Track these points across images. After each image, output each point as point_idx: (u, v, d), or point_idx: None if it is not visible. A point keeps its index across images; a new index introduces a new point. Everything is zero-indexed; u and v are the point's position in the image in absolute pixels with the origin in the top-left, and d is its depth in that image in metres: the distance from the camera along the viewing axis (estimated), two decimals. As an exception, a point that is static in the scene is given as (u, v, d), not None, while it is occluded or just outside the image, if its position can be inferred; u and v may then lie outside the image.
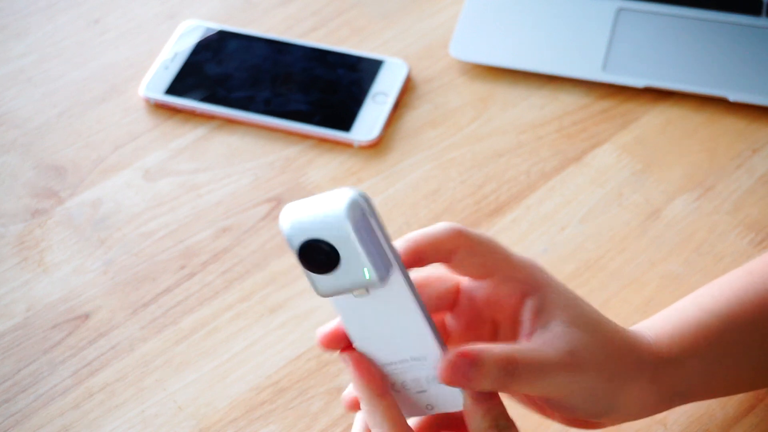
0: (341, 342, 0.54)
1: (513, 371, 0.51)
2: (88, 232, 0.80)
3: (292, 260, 0.77)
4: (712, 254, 0.76)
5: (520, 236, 0.78)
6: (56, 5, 0.96)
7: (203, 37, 0.91)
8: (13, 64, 0.91)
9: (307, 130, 0.85)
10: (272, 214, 0.80)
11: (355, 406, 0.56)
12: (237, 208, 0.81)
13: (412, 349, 0.53)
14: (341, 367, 0.71)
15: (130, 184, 0.83)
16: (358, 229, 0.49)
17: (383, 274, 0.50)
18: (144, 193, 0.82)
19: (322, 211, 0.49)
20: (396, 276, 0.51)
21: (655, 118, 0.86)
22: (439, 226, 0.54)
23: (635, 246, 0.77)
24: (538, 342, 0.53)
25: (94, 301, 0.75)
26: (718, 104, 0.86)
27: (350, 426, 0.68)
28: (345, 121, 0.85)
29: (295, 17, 0.94)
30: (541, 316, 0.54)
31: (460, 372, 0.51)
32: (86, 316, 0.75)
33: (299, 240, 0.49)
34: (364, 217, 0.49)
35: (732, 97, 0.85)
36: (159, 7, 0.95)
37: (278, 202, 0.81)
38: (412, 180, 0.82)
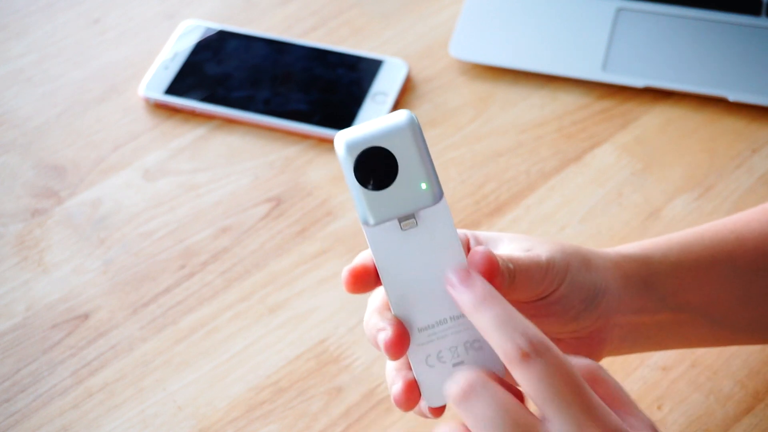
0: (369, 281, 0.53)
1: (511, 273, 0.54)
2: (87, 231, 0.80)
3: (292, 260, 0.77)
4: (712, 254, 0.76)
5: (519, 236, 0.78)
6: (56, 5, 0.96)
7: (203, 37, 0.91)
8: (12, 64, 0.91)
9: (306, 130, 0.85)
10: (272, 214, 0.80)
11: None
12: (237, 208, 0.81)
13: (453, 303, 0.51)
14: (341, 366, 0.71)
15: (129, 183, 0.83)
16: (417, 139, 0.49)
17: (437, 193, 0.50)
18: (144, 192, 0.82)
19: (381, 124, 0.50)
20: (443, 206, 0.51)
21: (655, 118, 0.86)
22: None
23: (635, 246, 0.77)
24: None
25: (93, 301, 0.75)
26: (718, 104, 0.86)
27: (350, 426, 0.68)
28: (345, 121, 0.85)
29: (295, 17, 0.94)
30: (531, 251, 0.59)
31: (491, 263, 0.52)
32: (86, 316, 0.75)
33: (358, 150, 0.49)
34: (421, 133, 0.50)
35: (732, 97, 0.85)
36: (158, 7, 0.95)
37: (278, 202, 0.81)
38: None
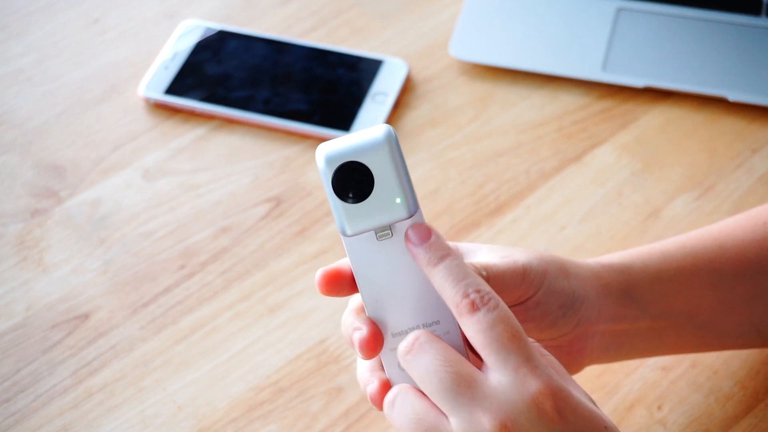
0: (342, 286, 0.55)
1: (484, 279, 0.55)
2: (87, 231, 0.80)
3: (292, 260, 0.77)
4: (712, 254, 0.76)
5: (520, 236, 0.78)
6: (56, 5, 0.96)
7: (203, 37, 0.91)
8: (12, 64, 0.91)
9: (306, 130, 0.85)
10: (272, 214, 0.80)
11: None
12: (236, 208, 0.81)
13: (426, 311, 0.54)
14: (341, 366, 0.71)
15: (129, 183, 0.83)
16: (394, 154, 0.51)
17: (412, 206, 0.52)
18: (144, 192, 0.82)
19: (361, 138, 0.52)
20: (418, 218, 0.53)
21: (655, 118, 0.86)
22: None
23: (635, 246, 0.77)
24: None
25: (93, 301, 0.75)
26: (718, 104, 0.86)
27: (349, 426, 0.69)
28: (345, 121, 0.85)
29: (295, 17, 0.94)
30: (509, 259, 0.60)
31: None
32: (86, 316, 0.75)
33: (336, 164, 0.51)
34: (398, 147, 0.52)
35: (732, 97, 0.85)
36: (158, 7, 0.95)
37: (278, 202, 0.81)
38: (412, 180, 0.82)
